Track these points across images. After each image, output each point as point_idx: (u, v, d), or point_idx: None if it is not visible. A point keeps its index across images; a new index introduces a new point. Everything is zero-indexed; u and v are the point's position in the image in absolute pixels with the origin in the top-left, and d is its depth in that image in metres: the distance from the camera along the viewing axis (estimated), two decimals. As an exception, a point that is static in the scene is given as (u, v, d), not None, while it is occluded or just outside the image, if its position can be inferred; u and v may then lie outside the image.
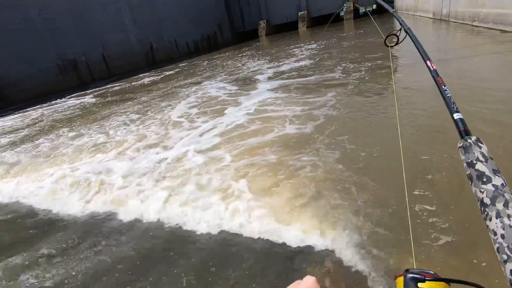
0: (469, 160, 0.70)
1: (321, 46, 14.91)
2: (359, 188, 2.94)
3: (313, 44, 16.71)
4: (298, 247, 2.45)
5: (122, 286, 2.45)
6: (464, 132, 0.80)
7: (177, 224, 3.07)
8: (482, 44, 8.07)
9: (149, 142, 5.69)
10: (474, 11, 10.92)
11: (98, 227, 3.34)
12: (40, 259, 2.95)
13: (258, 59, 15.18)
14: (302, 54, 13.48)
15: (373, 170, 3.20)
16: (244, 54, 19.35)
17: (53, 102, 14.15)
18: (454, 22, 12.98)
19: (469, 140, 0.75)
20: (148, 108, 8.78)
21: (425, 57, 1.29)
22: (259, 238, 2.65)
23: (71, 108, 11.88)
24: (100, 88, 15.96)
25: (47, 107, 13.16)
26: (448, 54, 7.91)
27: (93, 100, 12.87)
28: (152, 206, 3.41)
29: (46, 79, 16.79)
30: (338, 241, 2.36)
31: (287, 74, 9.68)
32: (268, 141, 4.55)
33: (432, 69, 1.16)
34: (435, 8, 15.83)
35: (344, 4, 30.14)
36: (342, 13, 31.32)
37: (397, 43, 1.76)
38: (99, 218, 3.53)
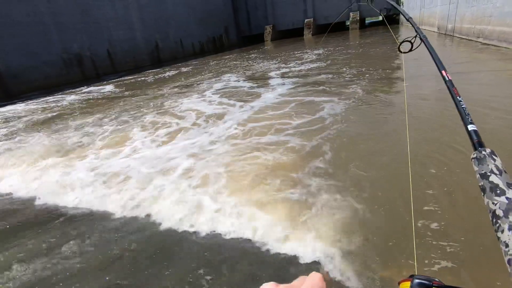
0: (483, 172, 0.70)
1: (328, 52, 15.04)
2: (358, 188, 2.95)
3: (320, 49, 16.91)
4: (292, 255, 2.45)
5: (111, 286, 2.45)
6: (478, 144, 0.80)
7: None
8: (485, 60, 8.13)
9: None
10: (479, 28, 11.01)
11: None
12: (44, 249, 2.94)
13: (267, 61, 15.30)
14: (310, 59, 13.64)
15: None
16: (251, 56, 19.53)
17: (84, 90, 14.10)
18: (459, 37, 13.07)
19: (483, 152, 0.74)
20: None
21: (440, 66, 1.27)
22: (253, 242, 2.65)
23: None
24: (127, 78, 16.02)
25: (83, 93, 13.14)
26: (451, 69, 7.96)
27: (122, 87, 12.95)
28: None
29: (50, 72, 16.83)
30: (335, 251, 2.36)
31: (298, 75, 9.83)
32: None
33: (447, 79, 1.15)
34: (441, 23, 15.95)
35: (351, 13, 30.34)
36: (347, 23, 31.55)
37: (410, 50, 1.72)
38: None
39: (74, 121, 8.00)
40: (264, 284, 0.45)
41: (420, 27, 17.83)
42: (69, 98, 12.49)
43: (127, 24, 22.08)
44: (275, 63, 14.45)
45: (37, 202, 3.95)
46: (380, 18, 41.49)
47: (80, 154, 5.37)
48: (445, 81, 1.15)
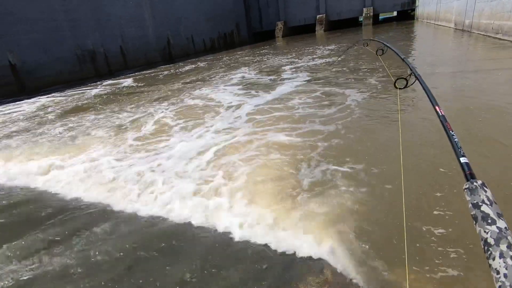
0: (475, 202, 0.75)
1: (341, 48, 14.84)
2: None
3: (332, 45, 16.74)
4: (299, 255, 2.43)
5: (116, 282, 2.48)
6: (470, 176, 0.86)
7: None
8: (505, 58, 7.82)
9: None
10: (498, 23, 10.61)
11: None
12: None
13: (280, 56, 15.24)
14: (321, 54, 13.48)
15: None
16: (263, 52, 19.51)
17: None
18: (477, 33, 12.63)
19: (475, 183, 0.80)
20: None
21: (434, 102, 1.36)
22: (256, 241, 2.64)
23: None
24: (148, 72, 16.36)
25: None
26: (467, 66, 7.71)
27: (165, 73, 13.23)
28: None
29: (63, 68, 17.21)
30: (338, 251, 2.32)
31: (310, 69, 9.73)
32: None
33: (440, 114, 1.23)
34: (458, 18, 15.44)
35: (364, 9, 29.75)
36: (361, 19, 30.97)
37: (405, 87, 1.87)
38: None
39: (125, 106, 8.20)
40: None
41: (436, 23, 17.40)
42: (101, 90, 12.76)
43: (139, 21, 22.32)
44: (288, 59, 14.39)
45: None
46: (395, 13, 40.60)
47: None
48: (439, 116, 1.23)
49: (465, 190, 0.82)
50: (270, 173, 3.61)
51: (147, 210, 3.36)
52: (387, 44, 2.90)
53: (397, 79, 1.89)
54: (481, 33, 12.17)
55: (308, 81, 8.68)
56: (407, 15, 32.95)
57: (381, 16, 38.38)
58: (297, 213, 2.81)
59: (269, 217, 2.83)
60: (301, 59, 13.54)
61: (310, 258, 2.38)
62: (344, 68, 9.57)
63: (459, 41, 12.44)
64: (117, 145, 5.43)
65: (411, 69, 1.78)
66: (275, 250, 2.51)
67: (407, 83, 1.85)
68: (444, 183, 2.78)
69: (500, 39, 10.34)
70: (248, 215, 2.93)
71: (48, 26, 16.44)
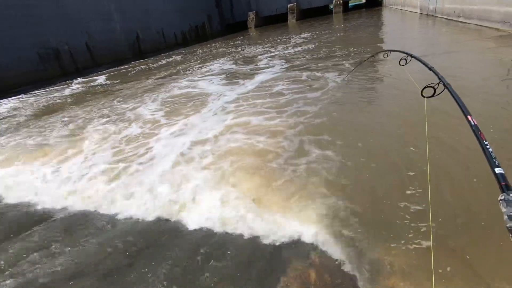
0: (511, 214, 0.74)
1: (314, 38, 14.97)
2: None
3: (305, 34, 16.83)
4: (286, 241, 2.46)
5: (106, 280, 2.41)
6: (506, 187, 0.84)
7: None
8: (469, 40, 8.22)
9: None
10: (460, 7, 11.10)
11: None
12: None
13: (254, 46, 15.12)
14: (296, 42, 13.54)
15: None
16: (237, 43, 19.26)
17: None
18: (441, 18, 13.17)
19: (511, 194, 0.78)
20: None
21: (466, 112, 1.30)
22: (244, 228, 2.65)
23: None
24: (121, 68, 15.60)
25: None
26: (437, 49, 8.02)
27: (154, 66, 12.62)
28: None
29: (25, 69, 16.11)
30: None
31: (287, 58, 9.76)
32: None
33: (473, 123, 1.18)
34: (423, 3, 16.00)
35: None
36: (331, 6, 31.31)
37: (433, 95, 1.80)
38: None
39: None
40: None
41: (403, 8, 17.78)
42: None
43: (105, 15, 21.27)
44: (263, 48, 14.35)
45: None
46: (363, 0, 41.33)
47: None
48: (471, 126, 1.18)
49: (501, 202, 0.80)
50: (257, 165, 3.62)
51: (126, 211, 3.27)
52: (412, 54, 2.79)
53: (424, 87, 1.81)
54: (445, 17, 12.70)
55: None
56: (375, 2, 33.68)
57: (351, 3, 39.02)
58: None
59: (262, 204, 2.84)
60: (276, 48, 13.56)
61: (296, 240, 2.42)
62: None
63: (425, 26, 12.92)
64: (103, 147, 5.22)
65: (439, 78, 1.74)
66: (261, 236, 2.54)
67: (434, 92, 1.78)
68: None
69: (462, 22, 10.85)
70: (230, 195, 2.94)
71: (5, 23, 15.25)
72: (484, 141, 1.05)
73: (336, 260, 2.17)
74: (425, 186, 2.46)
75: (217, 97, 7.16)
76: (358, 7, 38.00)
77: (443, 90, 1.69)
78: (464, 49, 7.27)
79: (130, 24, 23.29)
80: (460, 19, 11.07)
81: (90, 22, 20.01)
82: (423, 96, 1.82)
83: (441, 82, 1.73)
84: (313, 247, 2.34)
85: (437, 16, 13.67)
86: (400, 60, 3.42)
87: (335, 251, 2.24)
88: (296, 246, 2.40)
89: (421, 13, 16.24)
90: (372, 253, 2.12)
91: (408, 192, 2.61)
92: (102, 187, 3.78)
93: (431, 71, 2.28)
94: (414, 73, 4.21)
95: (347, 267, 2.09)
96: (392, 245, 2.13)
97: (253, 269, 2.26)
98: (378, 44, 10.38)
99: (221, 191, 3.17)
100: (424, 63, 2.18)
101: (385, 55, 4.32)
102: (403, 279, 1.88)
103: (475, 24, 9.87)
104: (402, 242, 2.13)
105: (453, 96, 1.51)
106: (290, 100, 5.83)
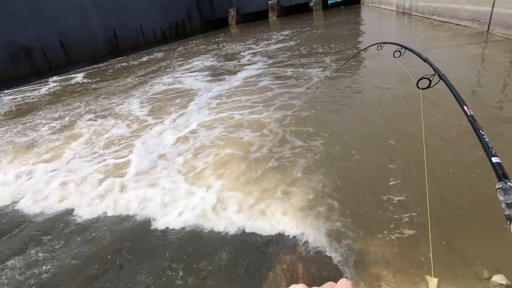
0: (510, 202, 0.75)
1: (295, 35, 15.07)
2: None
3: (286, 31, 16.92)
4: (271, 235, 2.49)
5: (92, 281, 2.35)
6: (503, 175, 0.85)
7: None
8: (443, 37, 8.56)
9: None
10: (433, 5, 11.54)
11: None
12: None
13: (236, 44, 15.04)
14: (277, 39, 13.59)
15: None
16: (218, 40, 19.06)
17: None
18: (415, 15, 13.63)
19: (509, 183, 0.80)
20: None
21: (461, 102, 1.31)
22: (232, 225, 2.65)
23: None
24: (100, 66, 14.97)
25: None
26: (413, 45, 8.29)
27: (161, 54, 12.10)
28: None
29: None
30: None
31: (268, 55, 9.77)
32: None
33: (469, 114, 1.19)
34: (399, 2, 16.48)
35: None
36: (311, 4, 31.62)
37: (428, 87, 1.80)
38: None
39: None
40: (293, 285, 0.44)
41: (380, 6, 18.20)
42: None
43: (80, 11, 20.44)
44: (245, 45, 14.31)
45: None
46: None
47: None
48: (467, 116, 1.19)
49: (498, 190, 0.81)
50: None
51: (111, 211, 3.20)
52: (405, 46, 2.79)
53: (420, 79, 1.82)
54: (419, 15, 13.16)
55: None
56: (353, 0, 34.33)
57: (330, 1, 39.53)
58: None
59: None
60: (258, 45, 13.56)
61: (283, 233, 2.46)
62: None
63: (401, 23, 13.33)
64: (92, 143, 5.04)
65: (434, 70, 1.74)
66: (249, 231, 2.55)
67: (430, 83, 1.79)
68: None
69: (435, 19, 11.28)
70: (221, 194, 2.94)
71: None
72: (481, 131, 1.06)
73: (323, 252, 2.22)
74: (422, 173, 2.55)
75: (201, 94, 7.19)
76: (337, 4, 38.56)
77: (438, 81, 1.71)
78: (439, 46, 7.57)
79: (107, 20, 22.52)
80: (434, 17, 11.51)
81: (64, 18, 19.18)
82: (419, 88, 1.84)
83: (436, 74, 1.75)
84: (299, 240, 2.38)
85: (413, 14, 14.13)
86: (395, 52, 3.43)
87: (322, 243, 2.29)
88: (282, 239, 2.43)
89: (397, 11, 16.73)
90: (362, 244, 2.19)
91: (391, 183, 2.71)
92: (86, 188, 3.67)
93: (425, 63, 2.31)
94: (409, 66, 4.29)
95: (335, 259, 2.14)
96: (378, 235, 2.20)
97: (240, 265, 2.28)
98: (358, 40, 10.62)
99: (202, 188, 3.17)
100: (418, 55, 2.20)
101: (379, 48, 4.33)
102: (388, 268, 1.96)
103: (446, 22, 10.29)
104: (390, 232, 2.22)
105: (448, 87, 1.52)
106: (277, 94, 5.97)
